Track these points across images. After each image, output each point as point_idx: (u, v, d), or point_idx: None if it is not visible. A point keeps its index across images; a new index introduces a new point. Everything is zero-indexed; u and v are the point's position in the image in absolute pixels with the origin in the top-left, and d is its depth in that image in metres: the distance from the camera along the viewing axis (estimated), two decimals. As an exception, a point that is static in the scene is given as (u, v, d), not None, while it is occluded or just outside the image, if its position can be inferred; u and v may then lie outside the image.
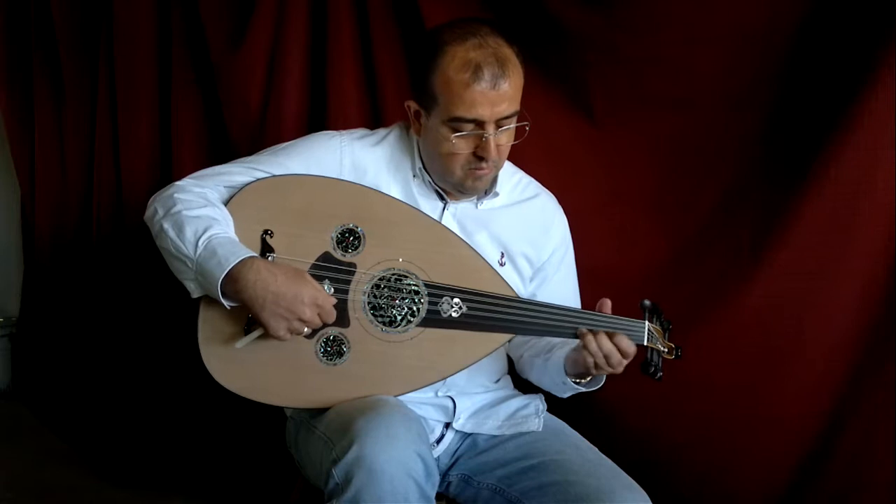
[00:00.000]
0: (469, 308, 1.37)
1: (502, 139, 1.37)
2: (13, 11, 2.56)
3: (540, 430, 1.45)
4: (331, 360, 1.37)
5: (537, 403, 1.50)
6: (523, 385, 1.59)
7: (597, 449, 1.42)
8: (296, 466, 1.50)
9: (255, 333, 1.34)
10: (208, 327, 1.37)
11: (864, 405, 1.68)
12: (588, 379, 1.43)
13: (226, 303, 1.32)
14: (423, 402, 1.46)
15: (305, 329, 1.32)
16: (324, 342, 1.37)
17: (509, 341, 1.60)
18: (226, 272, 1.28)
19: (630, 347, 1.33)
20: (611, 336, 1.33)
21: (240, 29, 2.06)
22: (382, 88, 1.98)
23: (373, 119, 2.00)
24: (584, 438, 1.46)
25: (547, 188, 1.61)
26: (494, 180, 1.47)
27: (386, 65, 1.97)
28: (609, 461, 1.38)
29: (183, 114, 2.20)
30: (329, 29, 2.00)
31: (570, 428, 1.49)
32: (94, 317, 2.45)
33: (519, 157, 1.62)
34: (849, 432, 1.69)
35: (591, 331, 1.33)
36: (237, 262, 1.28)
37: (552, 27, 1.82)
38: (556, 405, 1.54)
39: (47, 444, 2.53)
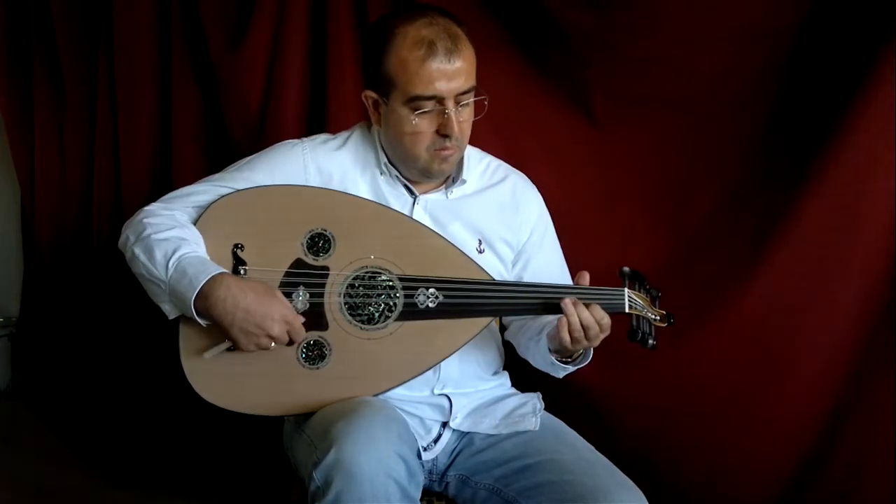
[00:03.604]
0: (445, 297, 1.38)
1: (463, 115, 1.38)
2: (13, 11, 2.56)
3: (537, 429, 1.44)
4: (313, 364, 1.37)
5: (535, 402, 1.50)
6: (521, 384, 1.59)
7: (594, 448, 1.41)
8: (293, 467, 1.50)
9: (223, 346, 1.34)
10: (189, 345, 1.38)
11: (863, 406, 1.68)
12: (576, 357, 1.44)
13: (201, 321, 1.33)
14: (419, 402, 1.46)
15: (272, 345, 1.33)
16: (304, 347, 1.37)
17: (502, 331, 1.61)
18: (197, 291, 1.29)
19: (604, 318, 1.33)
20: (590, 308, 1.33)
21: (240, 29, 2.07)
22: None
23: (373, 119, 2.00)
24: (581, 437, 1.45)
25: (547, 188, 1.61)
26: (460, 165, 1.47)
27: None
28: (606, 460, 1.37)
29: (183, 114, 2.20)
30: (329, 29, 2.00)
31: (567, 427, 1.49)
32: (94, 317, 2.45)
33: (520, 157, 1.62)
34: (849, 432, 1.69)
35: (572, 300, 1.33)
36: (207, 279, 1.29)
37: (552, 27, 1.82)
38: (554, 405, 1.54)
39: (47, 444, 2.53)
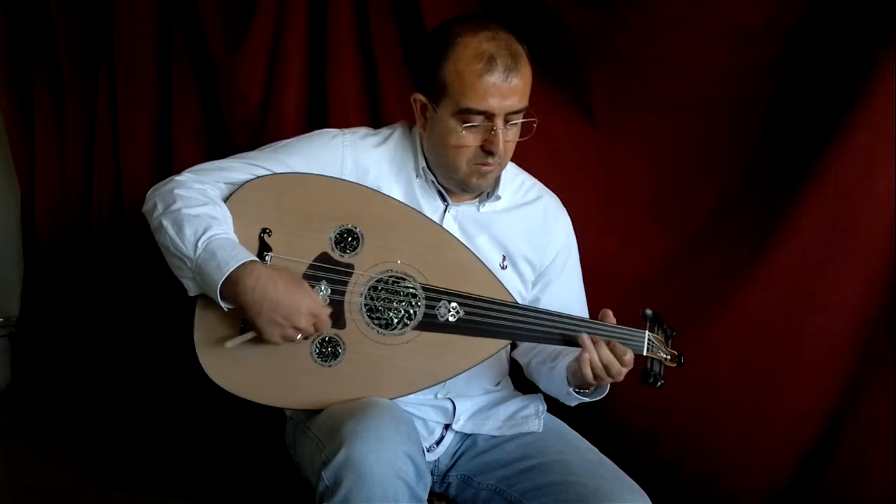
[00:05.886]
0: (466, 313, 1.37)
1: (510, 134, 1.36)
2: (13, 11, 2.56)
3: (540, 430, 1.45)
4: (325, 361, 1.36)
5: (537, 404, 1.50)
6: (523, 386, 1.59)
7: (597, 449, 1.42)
8: (295, 467, 1.50)
9: (248, 335, 1.33)
10: (204, 326, 1.37)
11: (864, 405, 1.68)
12: (592, 389, 1.42)
13: (224, 305, 1.31)
14: (422, 404, 1.46)
15: (299, 336, 1.32)
16: (319, 343, 1.36)
17: (512, 348, 1.61)
18: (225, 276, 1.27)
19: (626, 353, 1.32)
20: (609, 345, 1.32)
21: (240, 28, 2.07)
22: (382, 88, 1.98)
23: (373, 118, 2.00)
24: (583, 439, 1.46)
25: (547, 188, 1.60)
26: (497, 181, 1.46)
27: (386, 64, 1.97)
28: (609, 462, 1.38)
29: (183, 113, 2.20)
30: (329, 29, 2.00)
31: (570, 428, 1.49)
32: (95, 317, 2.45)
33: (519, 157, 1.61)
34: (849, 432, 1.69)
35: (591, 337, 1.32)
36: (237, 266, 1.28)
37: (553, 27, 1.82)
38: (556, 406, 1.54)
39: (47, 444, 2.53)
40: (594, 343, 1.32)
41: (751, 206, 1.74)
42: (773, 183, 1.71)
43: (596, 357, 1.31)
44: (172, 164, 2.21)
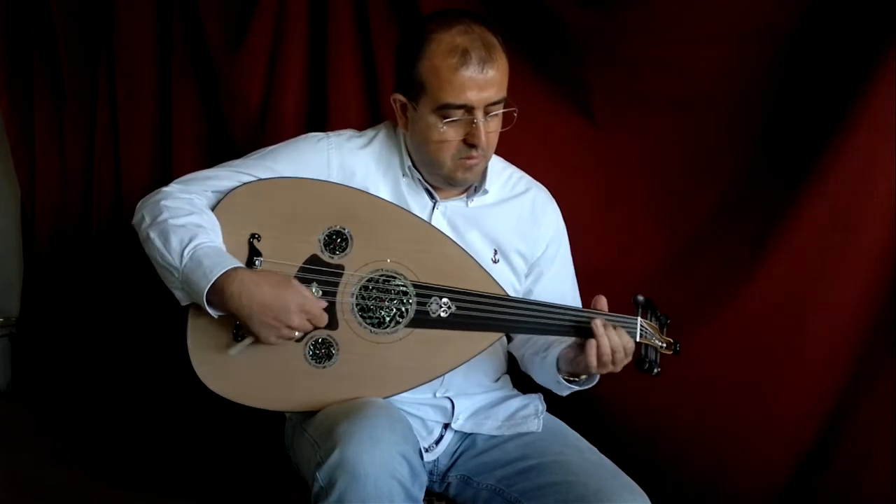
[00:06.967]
0: (458, 308, 1.37)
1: (491, 126, 1.37)
2: (13, 11, 2.56)
3: (539, 430, 1.44)
4: (319, 362, 1.37)
5: (537, 404, 1.50)
6: (523, 385, 1.59)
7: (596, 449, 1.42)
8: (294, 467, 1.50)
9: (247, 341, 1.34)
10: (197, 333, 1.37)
11: (864, 405, 1.68)
12: (584, 377, 1.42)
13: (212, 312, 1.32)
14: (421, 403, 1.46)
15: (297, 334, 1.32)
16: (312, 345, 1.37)
17: (508, 341, 1.61)
18: (210, 284, 1.28)
19: (629, 343, 1.32)
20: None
21: (240, 28, 2.07)
22: (382, 88, 1.98)
23: (373, 118, 2.00)
24: (583, 439, 1.46)
25: (547, 188, 1.60)
26: (483, 175, 1.47)
27: (386, 64, 1.96)
28: (609, 462, 1.38)
29: (183, 113, 2.20)
30: (329, 28, 2.00)
31: (569, 428, 1.49)
32: (94, 317, 2.45)
33: (519, 157, 1.62)
34: (849, 432, 1.69)
35: (602, 322, 1.31)
36: (221, 273, 1.28)
37: (552, 27, 1.82)
38: (556, 405, 1.54)
39: (47, 444, 2.53)
40: (605, 328, 1.30)
41: (751, 206, 1.74)
42: (773, 183, 1.71)
43: (606, 342, 1.29)
44: (172, 165, 2.21)
